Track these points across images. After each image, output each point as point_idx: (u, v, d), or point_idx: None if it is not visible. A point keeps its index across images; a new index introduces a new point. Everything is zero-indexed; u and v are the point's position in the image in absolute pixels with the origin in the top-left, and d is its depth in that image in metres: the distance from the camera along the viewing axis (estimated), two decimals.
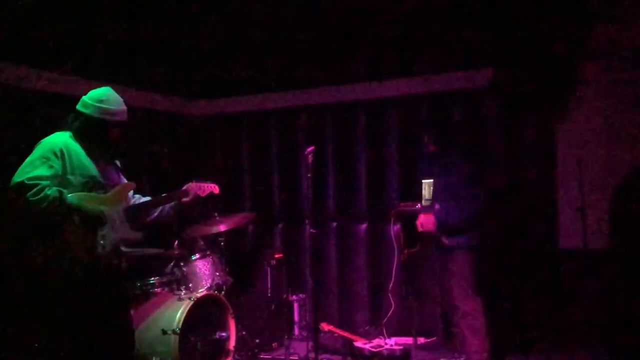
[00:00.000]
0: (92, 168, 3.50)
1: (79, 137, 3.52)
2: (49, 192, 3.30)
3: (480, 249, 4.81)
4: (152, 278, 4.92)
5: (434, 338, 5.72)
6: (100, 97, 3.56)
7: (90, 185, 3.48)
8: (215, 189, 3.91)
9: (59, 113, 5.11)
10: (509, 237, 5.70)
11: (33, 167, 3.33)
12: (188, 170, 6.55)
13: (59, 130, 3.55)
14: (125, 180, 3.74)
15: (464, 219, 4.69)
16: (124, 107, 3.62)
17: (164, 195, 3.84)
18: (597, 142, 5.36)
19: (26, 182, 3.28)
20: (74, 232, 3.34)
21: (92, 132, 3.51)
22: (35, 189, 3.27)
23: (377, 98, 6.17)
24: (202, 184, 3.87)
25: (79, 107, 3.56)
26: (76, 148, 3.49)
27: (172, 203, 3.85)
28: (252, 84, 6.58)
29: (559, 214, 5.51)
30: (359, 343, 5.49)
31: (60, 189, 3.35)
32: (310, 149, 4.85)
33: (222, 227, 5.33)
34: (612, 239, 5.21)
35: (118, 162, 3.81)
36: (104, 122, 3.53)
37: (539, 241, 5.61)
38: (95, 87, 3.60)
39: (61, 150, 3.42)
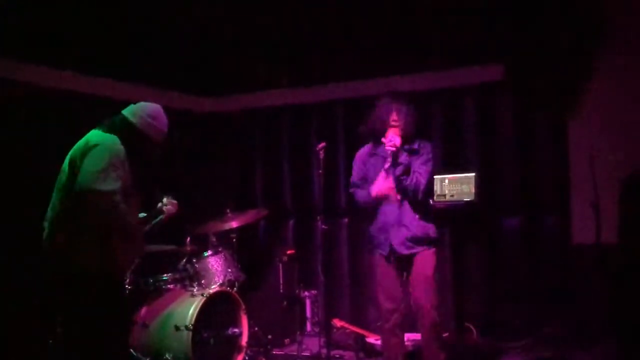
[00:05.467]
0: (129, 178, 3.44)
1: (123, 143, 3.42)
2: (122, 207, 3.27)
3: (440, 243, 4.70)
4: (165, 274, 4.94)
5: (446, 334, 5.71)
6: (155, 113, 3.53)
7: (122, 193, 3.38)
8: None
9: (73, 111, 5.17)
10: (522, 232, 5.69)
11: (107, 176, 3.22)
12: (200, 168, 6.58)
13: (100, 129, 3.44)
14: None
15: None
16: (166, 130, 3.59)
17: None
18: (610, 137, 5.31)
19: (105, 193, 3.19)
20: (127, 242, 3.44)
21: (133, 143, 3.44)
22: (113, 204, 3.22)
23: None
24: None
25: (128, 115, 3.49)
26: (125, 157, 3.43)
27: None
28: (264, 81, 6.58)
29: (573, 209, 5.47)
30: (372, 339, 5.49)
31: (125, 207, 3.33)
32: (322, 144, 4.84)
33: (234, 224, 5.35)
34: (624, 234, 5.17)
35: None
36: (149, 138, 3.50)
37: (552, 236, 5.59)
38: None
39: (124, 160, 3.35)
